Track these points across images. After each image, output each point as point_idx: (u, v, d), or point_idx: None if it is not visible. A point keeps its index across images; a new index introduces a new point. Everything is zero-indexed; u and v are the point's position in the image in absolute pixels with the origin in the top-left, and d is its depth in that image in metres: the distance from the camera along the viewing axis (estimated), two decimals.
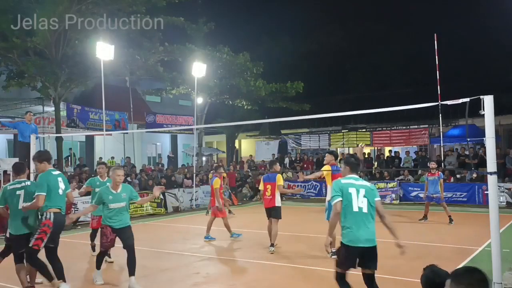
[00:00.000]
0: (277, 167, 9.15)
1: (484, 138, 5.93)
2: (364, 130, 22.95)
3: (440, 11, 34.84)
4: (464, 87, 19.42)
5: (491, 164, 5.37)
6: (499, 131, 20.74)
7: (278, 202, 8.89)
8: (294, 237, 10.48)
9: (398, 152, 21.69)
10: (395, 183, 18.12)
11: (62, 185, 6.11)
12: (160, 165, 21.83)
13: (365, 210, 4.64)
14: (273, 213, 8.88)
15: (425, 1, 35.94)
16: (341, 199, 4.66)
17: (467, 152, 18.53)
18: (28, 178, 6.76)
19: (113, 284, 6.95)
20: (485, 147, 7.54)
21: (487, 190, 6.18)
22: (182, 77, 21.34)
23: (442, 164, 18.54)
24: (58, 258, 6.10)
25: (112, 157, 21.87)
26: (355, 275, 4.82)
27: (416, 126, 21.41)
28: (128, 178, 16.26)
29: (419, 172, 18.63)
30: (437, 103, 6.39)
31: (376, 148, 24.85)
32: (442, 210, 12.49)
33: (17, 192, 6.07)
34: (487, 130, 5.42)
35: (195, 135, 23.47)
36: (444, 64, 16.54)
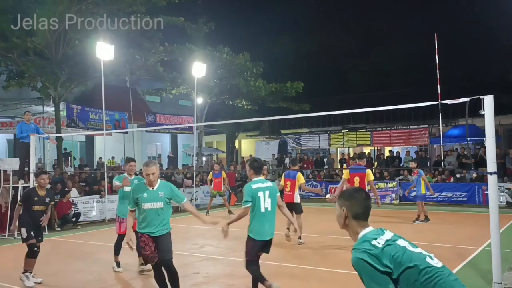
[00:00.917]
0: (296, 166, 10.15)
1: (484, 138, 5.93)
2: (364, 130, 22.94)
3: (440, 11, 34.86)
4: (464, 87, 19.46)
5: (491, 164, 5.38)
6: (499, 131, 20.69)
7: (297, 198, 9.58)
8: (294, 237, 10.45)
9: (398, 152, 21.69)
10: (395, 183, 18.12)
11: None
12: (159, 165, 21.80)
13: (269, 209, 5.53)
14: (294, 209, 9.30)
15: (425, 1, 36.00)
16: (250, 204, 5.49)
17: (466, 153, 18.52)
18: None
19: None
20: (485, 147, 7.53)
21: (487, 190, 6.18)
22: (182, 77, 21.32)
23: (442, 164, 18.55)
24: None
25: (112, 157, 21.88)
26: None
27: (416, 126, 21.40)
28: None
29: None
30: (437, 102, 6.40)
31: (376, 148, 24.86)
32: (442, 210, 12.50)
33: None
34: (487, 130, 5.43)
35: (195, 135, 23.46)
36: (444, 64, 16.53)
